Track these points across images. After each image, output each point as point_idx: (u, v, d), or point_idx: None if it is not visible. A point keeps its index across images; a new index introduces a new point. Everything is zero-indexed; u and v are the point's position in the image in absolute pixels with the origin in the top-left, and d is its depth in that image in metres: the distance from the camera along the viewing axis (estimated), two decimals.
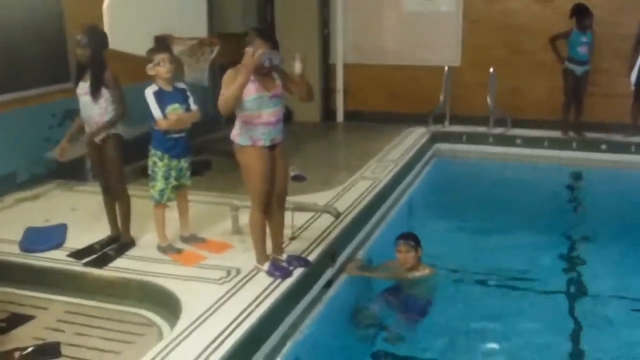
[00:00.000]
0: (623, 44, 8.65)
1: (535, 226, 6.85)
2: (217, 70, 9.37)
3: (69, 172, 6.72)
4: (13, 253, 4.93)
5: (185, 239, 5.12)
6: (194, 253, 4.90)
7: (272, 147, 4.39)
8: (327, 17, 10.56)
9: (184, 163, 4.92)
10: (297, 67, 4.29)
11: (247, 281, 4.42)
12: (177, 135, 4.79)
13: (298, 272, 4.58)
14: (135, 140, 5.95)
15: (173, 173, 4.86)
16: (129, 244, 5.01)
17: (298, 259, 4.72)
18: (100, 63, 4.75)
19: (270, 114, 4.31)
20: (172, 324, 3.94)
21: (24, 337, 4.00)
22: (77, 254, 4.85)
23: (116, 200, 5.03)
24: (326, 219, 5.46)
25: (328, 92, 10.61)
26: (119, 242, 5.01)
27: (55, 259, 4.83)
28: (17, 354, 3.73)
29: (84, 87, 4.78)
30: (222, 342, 3.62)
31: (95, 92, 4.72)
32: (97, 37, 4.82)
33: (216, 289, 4.29)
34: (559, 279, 5.72)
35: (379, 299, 5.10)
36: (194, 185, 5.22)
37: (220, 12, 9.54)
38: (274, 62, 4.24)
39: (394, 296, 5.07)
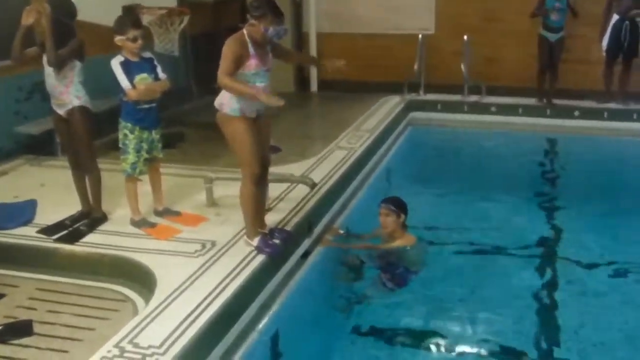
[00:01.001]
0: (595, 7, 8.62)
1: (510, 192, 6.89)
2: (189, 40, 9.22)
3: (38, 147, 6.57)
4: None
5: (159, 213, 5.03)
6: (168, 227, 4.82)
7: (255, 119, 4.32)
8: None
9: (155, 134, 4.82)
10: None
11: (222, 254, 4.36)
12: (147, 106, 4.68)
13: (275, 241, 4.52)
14: (105, 113, 5.84)
15: (144, 145, 4.76)
16: (101, 218, 4.91)
17: (280, 231, 4.67)
18: (64, 33, 4.59)
19: (266, 87, 4.25)
20: (147, 299, 3.87)
21: None
22: (48, 230, 4.74)
23: (86, 174, 4.92)
24: (302, 190, 5.42)
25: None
26: (91, 217, 4.90)
27: (25, 235, 4.72)
28: None
29: None
30: (198, 315, 3.57)
31: (58, 62, 4.57)
32: (62, 5, 4.66)
33: (191, 262, 4.23)
34: (534, 243, 5.78)
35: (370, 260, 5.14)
36: (166, 157, 5.13)
37: None
38: (282, 37, 4.19)
39: (381, 259, 5.09)
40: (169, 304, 3.71)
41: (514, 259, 5.54)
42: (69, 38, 4.62)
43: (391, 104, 9.06)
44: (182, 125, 8.12)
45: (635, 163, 7.89)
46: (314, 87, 10.42)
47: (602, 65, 8.67)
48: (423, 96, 9.51)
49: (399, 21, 9.99)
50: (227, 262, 4.24)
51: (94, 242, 4.57)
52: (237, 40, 4.16)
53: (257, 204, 4.46)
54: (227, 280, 4.00)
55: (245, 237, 4.48)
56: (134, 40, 4.55)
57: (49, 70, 4.69)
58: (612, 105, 8.71)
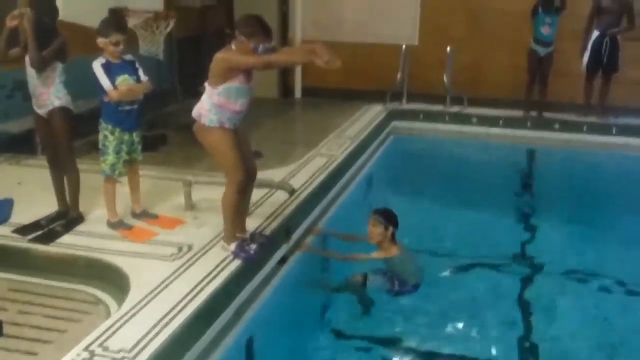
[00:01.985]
0: (578, 25, 8.74)
1: (489, 203, 6.96)
2: (175, 43, 9.22)
3: (18, 146, 6.52)
4: None
5: (136, 215, 5.01)
6: (145, 229, 4.80)
7: (234, 129, 4.32)
8: None
9: (136, 137, 4.81)
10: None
11: (198, 257, 4.34)
12: (128, 107, 4.68)
13: (252, 246, 4.51)
14: (86, 113, 5.81)
15: (124, 147, 4.74)
16: (78, 219, 4.87)
17: (260, 236, 4.67)
18: (47, 33, 4.59)
19: (244, 103, 4.26)
20: (120, 302, 3.84)
21: None
22: (23, 230, 4.69)
23: (65, 174, 4.89)
24: (281, 195, 5.42)
25: (285, 68, 10.49)
26: (67, 218, 4.86)
27: (0, 234, 4.67)
28: None
29: None
30: (171, 319, 3.55)
31: (40, 63, 4.56)
32: (43, 7, 4.67)
33: (167, 265, 4.21)
34: (512, 254, 5.84)
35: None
36: (148, 160, 5.12)
37: None
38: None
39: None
40: (142, 307, 3.68)
41: (491, 269, 5.59)
42: (52, 38, 4.62)
43: (373, 112, 9.10)
44: (165, 127, 8.10)
45: (613, 176, 8.00)
46: (297, 93, 10.44)
47: (582, 80, 8.77)
48: (405, 105, 9.56)
49: (383, 31, 10.05)
50: (203, 266, 4.22)
51: (69, 243, 4.52)
52: (232, 52, 4.15)
53: (238, 211, 4.46)
54: (203, 284, 3.98)
55: (222, 241, 4.47)
56: (116, 44, 4.56)
57: (31, 71, 4.69)
58: (591, 119, 8.81)
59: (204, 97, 4.27)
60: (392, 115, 9.24)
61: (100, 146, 4.76)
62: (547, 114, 8.97)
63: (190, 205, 5.23)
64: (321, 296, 5.04)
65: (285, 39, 10.49)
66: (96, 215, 4.98)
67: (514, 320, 4.80)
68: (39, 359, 3.48)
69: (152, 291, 3.85)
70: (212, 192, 5.40)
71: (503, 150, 8.72)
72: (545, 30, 8.62)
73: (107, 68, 4.54)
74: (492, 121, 9.03)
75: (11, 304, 4.02)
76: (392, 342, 4.52)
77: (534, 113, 9.01)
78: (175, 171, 6.04)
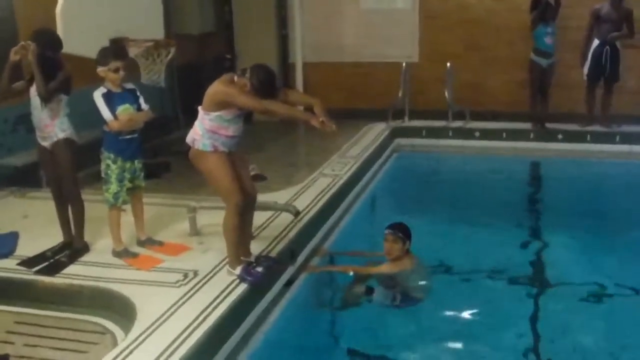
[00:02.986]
0: (577, 35, 8.76)
1: (495, 216, 6.90)
2: (175, 71, 9.29)
3: (23, 179, 6.55)
4: None
5: (141, 243, 5.02)
6: (150, 257, 4.80)
7: (228, 152, 4.35)
8: (285, 17, 10.54)
9: (138, 164, 4.83)
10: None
11: (204, 283, 4.34)
12: (129, 136, 4.71)
13: (258, 270, 4.50)
14: (89, 144, 5.84)
15: (127, 175, 4.77)
16: (82, 249, 4.88)
17: (266, 259, 4.67)
18: (51, 66, 4.64)
19: (236, 128, 4.31)
20: (127, 331, 3.83)
21: None
22: (28, 262, 4.71)
23: (69, 204, 4.91)
24: (285, 218, 5.42)
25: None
26: (72, 248, 4.88)
27: (5, 267, 4.67)
28: None
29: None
30: (178, 347, 3.54)
31: (48, 95, 4.61)
32: (45, 40, 4.72)
33: (173, 292, 4.20)
34: (519, 267, 5.77)
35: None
36: (152, 187, 5.13)
37: (177, 12, 9.41)
38: None
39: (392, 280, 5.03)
40: (149, 335, 3.67)
41: (500, 283, 5.53)
42: (56, 71, 4.68)
43: (376, 131, 9.11)
44: (168, 154, 8.13)
45: (618, 185, 7.95)
46: None
47: (583, 90, 8.76)
48: (407, 123, 9.57)
49: (383, 50, 10.10)
50: (209, 291, 4.22)
51: (74, 274, 4.53)
52: (232, 83, 4.16)
53: (241, 234, 4.45)
54: (209, 309, 3.97)
55: (227, 266, 4.46)
56: (116, 71, 4.59)
57: (35, 104, 4.73)
58: (594, 128, 8.79)
59: (197, 123, 4.30)
60: (394, 133, 9.25)
61: (102, 175, 4.78)
62: (550, 125, 8.96)
63: (195, 231, 5.23)
64: (328, 315, 4.99)
65: (285, 63, 10.56)
66: (101, 244, 4.99)
67: (523, 334, 4.73)
68: None
69: (158, 319, 3.85)
70: (216, 218, 5.37)
71: (507, 163, 8.69)
72: (548, 41, 8.61)
73: (108, 98, 4.57)
74: (494, 134, 9.02)
75: (17, 337, 4.03)
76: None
77: (538, 125, 8.99)
78: (179, 197, 6.04)
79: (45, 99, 4.63)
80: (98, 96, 4.57)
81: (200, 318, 3.86)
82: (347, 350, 4.54)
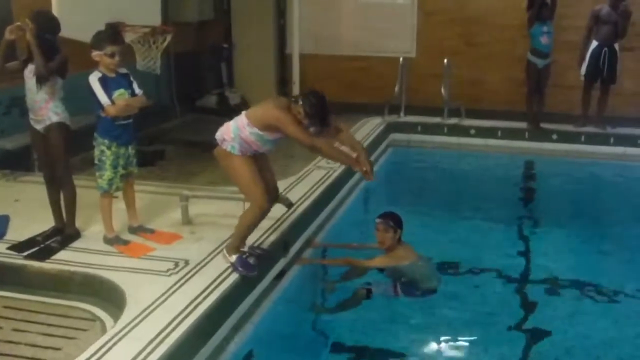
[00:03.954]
0: (575, 36, 8.75)
1: (488, 213, 6.93)
2: (172, 59, 9.24)
3: (15, 162, 6.50)
4: None
5: (133, 230, 4.98)
6: (142, 244, 4.77)
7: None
8: (283, 7, 10.50)
9: (131, 150, 4.79)
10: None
11: (195, 272, 4.32)
12: (125, 122, 4.67)
13: (250, 260, 4.49)
14: (83, 129, 5.79)
15: (121, 161, 4.73)
16: (74, 235, 4.84)
17: (258, 249, 4.68)
18: (48, 49, 4.58)
19: (270, 149, 4.38)
20: (116, 318, 3.81)
21: None
22: (19, 247, 4.67)
23: (61, 190, 4.87)
24: (279, 209, 5.38)
25: (284, 82, 10.52)
26: (63, 234, 4.84)
27: None
28: None
29: (31, 70, 4.61)
30: (167, 335, 3.52)
31: (46, 73, 4.56)
32: (45, 22, 4.67)
33: (163, 281, 4.18)
34: (511, 263, 5.79)
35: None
36: (145, 175, 5.10)
37: (174, 0, 9.35)
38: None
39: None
40: (138, 323, 3.65)
41: (491, 279, 5.54)
42: (53, 54, 4.62)
43: (372, 125, 9.09)
44: (163, 142, 8.10)
45: (612, 186, 7.98)
46: None
47: (580, 90, 8.77)
48: (403, 118, 9.55)
49: (381, 44, 10.09)
50: (200, 280, 4.20)
51: (65, 260, 4.49)
52: (289, 109, 4.15)
53: (254, 229, 4.47)
54: (199, 299, 3.95)
55: (224, 250, 4.45)
56: (112, 56, 4.54)
57: (29, 85, 4.68)
58: (589, 129, 8.81)
59: (232, 123, 4.27)
60: (390, 128, 9.23)
61: (96, 161, 4.73)
62: (545, 125, 8.96)
63: (187, 220, 5.20)
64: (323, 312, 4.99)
65: (282, 53, 10.52)
66: (92, 231, 4.96)
67: (513, 329, 4.74)
68: None
69: (148, 307, 3.83)
70: (209, 207, 5.40)
71: (501, 161, 8.70)
72: (544, 40, 8.60)
73: (104, 82, 4.52)
74: (490, 132, 9.03)
75: (6, 321, 4.00)
76: (393, 355, 4.47)
77: (533, 124, 9.00)
78: (173, 186, 6.02)
79: (44, 77, 4.57)
80: (94, 80, 4.51)
81: (190, 307, 3.84)
82: (335, 343, 4.54)
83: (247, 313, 4.36)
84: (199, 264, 4.44)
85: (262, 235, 4.97)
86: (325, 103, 4.16)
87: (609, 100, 8.75)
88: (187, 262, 4.45)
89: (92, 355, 3.33)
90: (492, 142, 8.96)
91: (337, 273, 5.24)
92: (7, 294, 4.31)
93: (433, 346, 4.64)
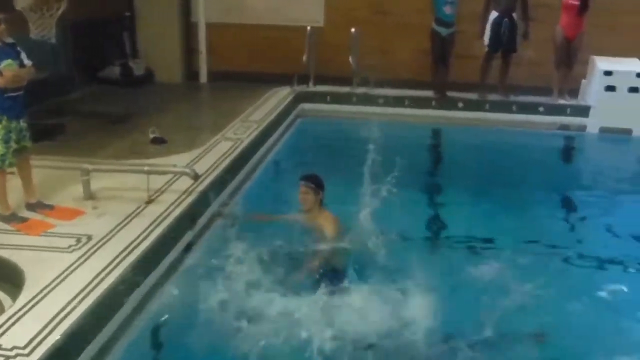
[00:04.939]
0: (480, 6, 8.95)
1: (398, 182, 7.00)
2: (70, 28, 8.79)
3: None
4: None
5: (31, 207, 4.78)
6: (41, 221, 4.59)
7: None
8: None
9: (23, 123, 4.58)
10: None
11: (99, 248, 4.21)
12: (14, 94, 4.45)
13: (155, 234, 4.39)
14: None
15: (13, 135, 4.52)
16: None
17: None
18: None
19: None
20: (15, 298, 3.66)
21: None
22: None
23: None
24: (185, 182, 5.29)
25: (190, 52, 10.28)
26: None
27: None
28: None
29: None
30: (69, 313, 3.42)
31: None
32: None
33: (64, 257, 4.04)
34: (418, 230, 5.93)
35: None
36: (44, 149, 4.88)
37: None
38: None
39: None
40: (38, 302, 3.53)
41: (397, 245, 5.65)
42: None
43: (280, 96, 9.04)
44: (64, 115, 7.74)
45: (515, 152, 8.29)
46: (202, 77, 10.22)
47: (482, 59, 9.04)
48: (313, 88, 9.54)
49: (289, 13, 10.00)
50: (104, 256, 4.10)
51: None
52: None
53: None
54: (102, 275, 3.86)
55: None
56: None
57: None
58: (493, 98, 9.11)
59: None
60: (299, 98, 9.21)
61: None
62: (451, 94, 9.19)
63: (89, 195, 5.03)
64: (222, 285, 4.89)
65: (188, 22, 10.24)
66: None
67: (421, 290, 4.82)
68: None
69: (48, 285, 3.71)
70: (112, 181, 5.23)
71: (409, 130, 8.84)
72: (447, 10, 8.78)
73: None
74: (398, 101, 9.15)
75: None
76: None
77: (439, 93, 9.20)
78: (74, 160, 5.77)
79: None
80: None
81: (94, 283, 3.75)
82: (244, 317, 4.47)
83: (153, 288, 4.27)
84: (102, 239, 4.33)
85: (168, 207, 4.88)
86: None
87: (510, 68, 9.05)
88: (89, 238, 4.32)
89: None
90: (400, 110, 9.08)
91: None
92: None
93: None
